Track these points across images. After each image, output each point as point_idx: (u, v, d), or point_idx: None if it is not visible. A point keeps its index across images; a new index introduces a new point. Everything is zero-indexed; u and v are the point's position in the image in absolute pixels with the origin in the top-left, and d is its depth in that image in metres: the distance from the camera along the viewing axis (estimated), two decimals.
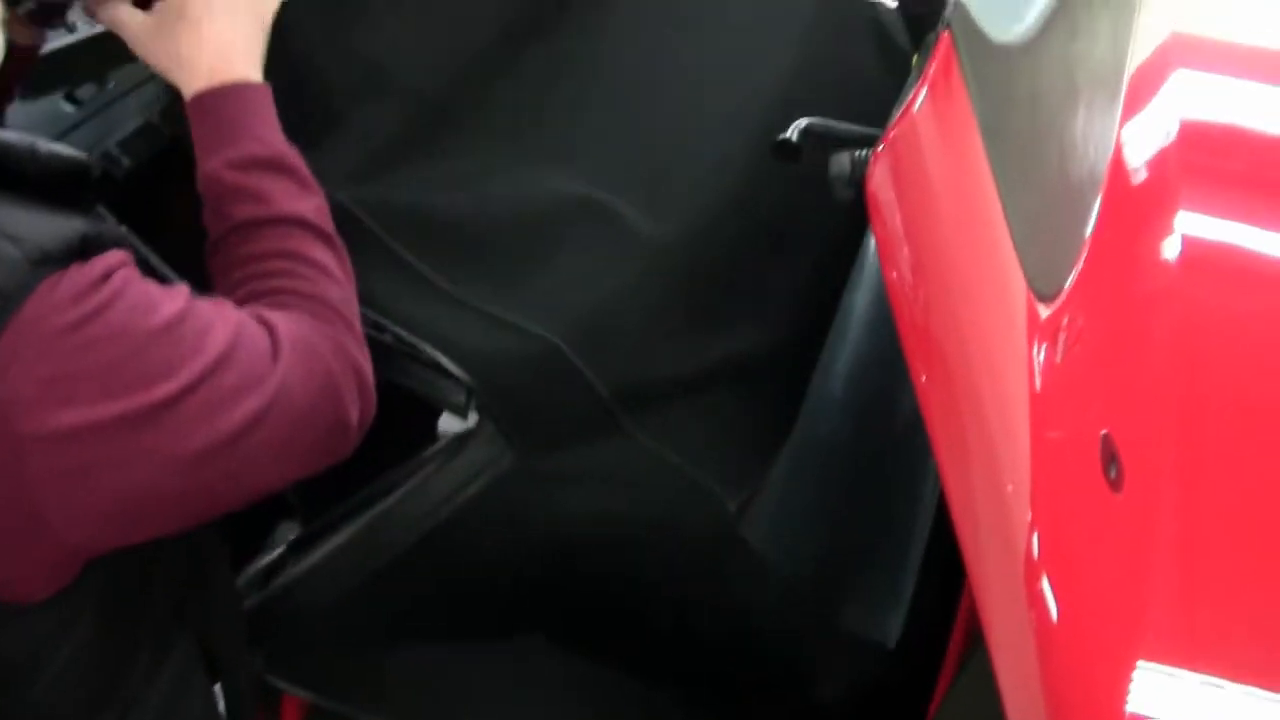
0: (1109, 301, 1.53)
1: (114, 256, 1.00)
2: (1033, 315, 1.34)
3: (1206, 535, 1.36)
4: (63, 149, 1.05)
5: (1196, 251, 1.75)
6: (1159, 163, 1.94)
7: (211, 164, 1.18)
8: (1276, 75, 2.28)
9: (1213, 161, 1.98)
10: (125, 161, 1.69)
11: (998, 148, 1.24)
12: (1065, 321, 1.38)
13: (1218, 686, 1.24)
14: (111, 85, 2.14)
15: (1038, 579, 1.19)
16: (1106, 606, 1.30)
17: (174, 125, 1.56)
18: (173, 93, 1.24)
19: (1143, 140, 1.96)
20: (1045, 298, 1.37)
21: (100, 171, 1.08)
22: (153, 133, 1.73)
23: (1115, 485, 1.32)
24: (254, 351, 1.05)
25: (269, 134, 1.20)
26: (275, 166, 1.18)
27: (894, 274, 1.03)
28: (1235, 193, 1.94)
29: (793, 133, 1.32)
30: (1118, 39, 1.96)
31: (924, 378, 1.05)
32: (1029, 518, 1.20)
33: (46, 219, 0.97)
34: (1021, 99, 1.47)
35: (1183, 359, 1.55)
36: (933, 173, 1.18)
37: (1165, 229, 1.79)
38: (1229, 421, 1.48)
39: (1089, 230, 1.58)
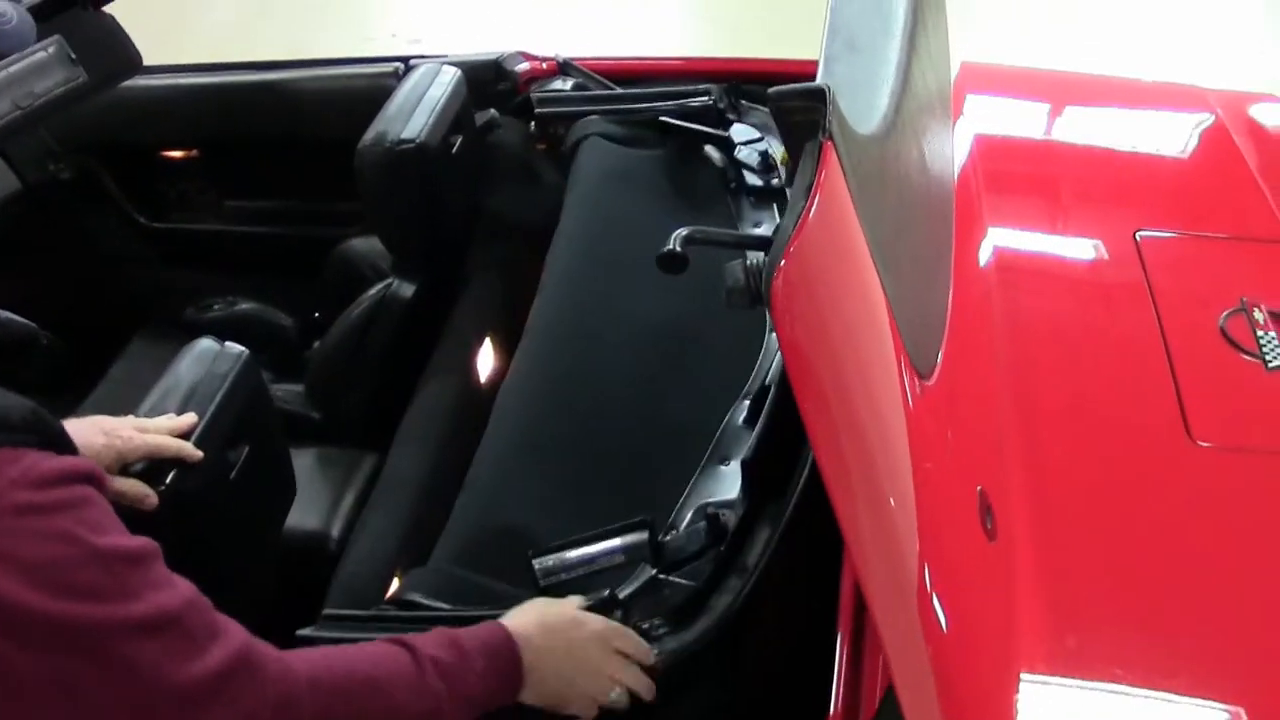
0: (971, 371, 1.64)
1: (83, 464, 1.01)
2: (917, 392, 1.41)
3: (1069, 572, 1.49)
4: (14, 318, 1.07)
5: (1007, 261, 1.88)
6: (964, 180, 2.07)
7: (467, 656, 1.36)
8: (1054, 93, 2.46)
9: (1003, 168, 2.12)
10: None
11: (878, 241, 1.32)
12: (941, 395, 1.47)
13: (1093, 689, 1.36)
14: None
15: (928, 599, 1.30)
16: (990, 626, 1.41)
17: None
18: None
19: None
20: (925, 376, 1.47)
21: (48, 341, 1.10)
22: None
23: (990, 535, 1.43)
24: (194, 638, 1.04)
25: (489, 686, 1.37)
26: (481, 688, 1.36)
27: (800, 380, 1.08)
28: (1026, 197, 2.09)
29: (675, 243, 1.32)
30: (943, 98, 2.08)
31: (829, 468, 1.11)
32: (917, 549, 1.30)
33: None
34: (891, 189, 1.56)
35: (1031, 405, 1.67)
36: (831, 278, 1.25)
37: (979, 239, 1.92)
38: (1079, 476, 1.61)
39: (949, 303, 1.69)
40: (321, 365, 2.58)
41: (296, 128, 2.94)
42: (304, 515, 2.29)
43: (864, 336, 1.31)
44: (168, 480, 1.63)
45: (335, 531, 2.34)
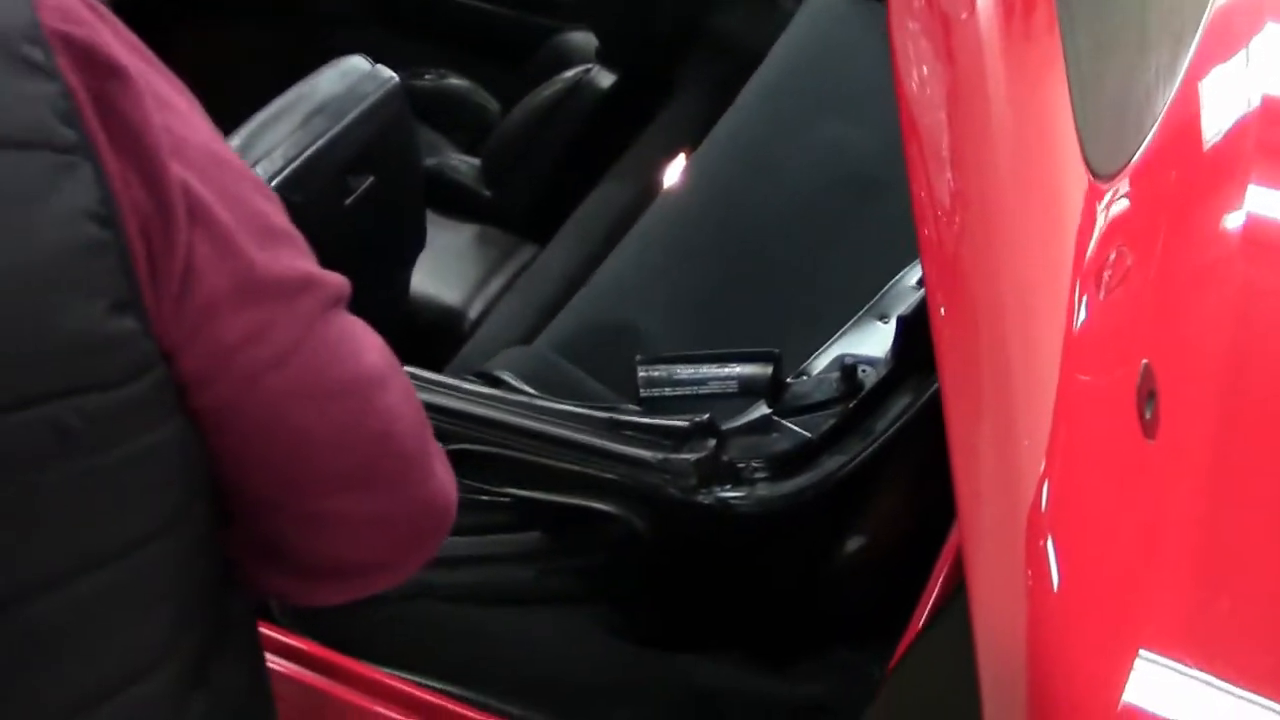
0: (1180, 186, 1.27)
1: None
2: (1089, 195, 1.12)
3: (1236, 510, 1.07)
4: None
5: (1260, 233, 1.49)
6: (1236, 133, 1.65)
7: None
8: None
9: None
10: None
11: None
12: (1120, 202, 1.14)
13: (1217, 688, 0.98)
14: None
15: (1041, 538, 0.99)
16: (1115, 581, 1.01)
17: None
18: None
19: (1222, 89, 1.68)
20: (1100, 175, 1.14)
21: None
22: None
23: (1149, 429, 1.07)
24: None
25: None
26: None
27: (910, 123, 0.84)
28: None
29: None
30: None
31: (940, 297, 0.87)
32: (1041, 466, 1.01)
33: None
34: None
35: (1237, 313, 1.31)
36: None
37: (1233, 202, 1.51)
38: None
39: (1159, 119, 1.35)
40: (500, 140, 2.48)
41: None
42: (446, 288, 2.23)
43: (1015, 76, 1.01)
44: None
45: (473, 313, 2.23)
